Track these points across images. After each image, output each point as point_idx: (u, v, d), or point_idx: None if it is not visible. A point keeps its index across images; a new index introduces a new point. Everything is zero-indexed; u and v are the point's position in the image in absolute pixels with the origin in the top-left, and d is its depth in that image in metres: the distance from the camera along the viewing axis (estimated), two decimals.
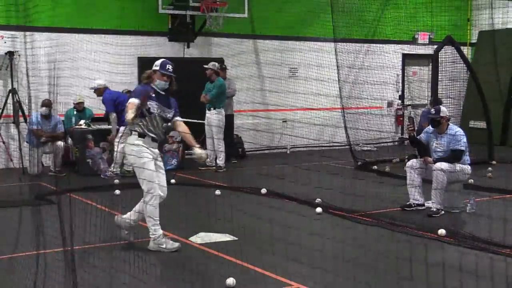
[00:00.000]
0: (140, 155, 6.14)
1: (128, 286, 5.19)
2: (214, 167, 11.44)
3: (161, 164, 6.39)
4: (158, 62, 6.36)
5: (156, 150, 6.33)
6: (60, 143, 11.07)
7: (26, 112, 11.28)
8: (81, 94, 11.68)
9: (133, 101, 6.06)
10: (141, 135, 6.19)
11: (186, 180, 10.35)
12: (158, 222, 6.20)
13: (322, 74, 14.31)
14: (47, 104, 10.97)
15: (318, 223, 7.26)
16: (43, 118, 10.99)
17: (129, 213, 6.44)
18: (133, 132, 6.23)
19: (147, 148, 6.19)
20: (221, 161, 11.49)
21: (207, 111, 11.56)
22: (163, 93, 6.31)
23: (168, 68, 6.28)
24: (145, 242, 6.47)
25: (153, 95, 6.20)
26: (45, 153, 11.20)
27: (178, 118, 6.41)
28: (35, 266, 5.70)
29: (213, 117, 11.47)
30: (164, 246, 6.17)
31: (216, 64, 11.61)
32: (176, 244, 6.23)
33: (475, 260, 5.18)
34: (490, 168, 10.92)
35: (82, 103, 11.57)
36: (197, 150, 6.30)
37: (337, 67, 13.22)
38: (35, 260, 5.95)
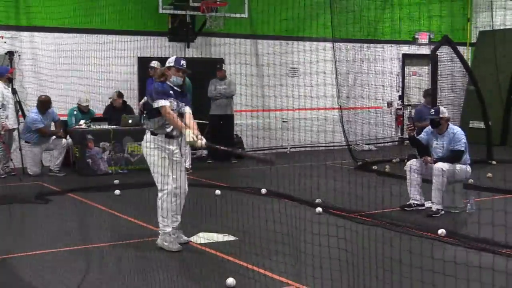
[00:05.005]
0: (151, 153, 6.19)
1: (127, 286, 5.19)
2: None
3: (178, 159, 6.35)
4: (171, 59, 6.42)
5: (172, 147, 6.28)
6: (64, 141, 11.10)
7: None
8: (87, 97, 11.73)
9: (167, 105, 6.10)
10: (153, 133, 6.24)
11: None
12: (170, 219, 6.20)
13: (322, 74, 14.30)
14: (48, 100, 11.05)
15: (318, 223, 7.25)
16: (41, 114, 11.01)
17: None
18: (146, 130, 6.28)
19: (158, 145, 6.21)
20: (187, 163, 11.12)
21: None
22: (178, 89, 6.35)
23: (182, 64, 6.38)
24: (144, 242, 6.47)
25: (171, 92, 6.24)
26: (47, 150, 11.21)
27: (187, 108, 6.36)
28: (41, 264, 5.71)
29: None
30: (166, 244, 6.17)
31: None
32: (177, 246, 6.22)
33: (475, 260, 5.18)
34: (489, 174, 10.75)
35: (88, 105, 11.71)
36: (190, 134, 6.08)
37: (336, 67, 13.21)
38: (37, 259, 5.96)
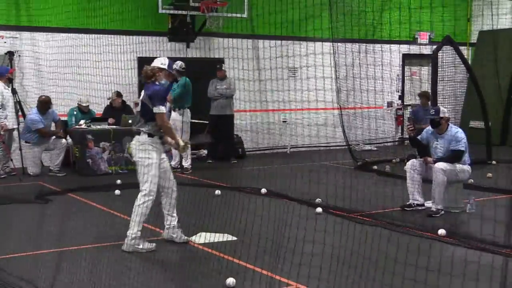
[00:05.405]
0: (148, 155, 6.19)
1: (127, 286, 5.19)
2: (179, 169, 11.14)
3: (165, 158, 6.47)
4: (164, 61, 6.41)
5: (161, 146, 6.39)
6: (64, 141, 11.12)
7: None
8: (87, 97, 11.75)
9: (164, 113, 6.19)
10: (150, 135, 6.25)
11: (186, 180, 10.34)
12: (142, 224, 6.23)
13: (321, 74, 14.28)
14: (48, 100, 11.06)
15: (318, 223, 7.25)
16: (41, 115, 11.02)
17: (166, 222, 6.49)
18: (142, 132, 6.27)
19: (154, 147, 6.24)
20: (187, 163, 11.31)
21: (171, 112, 11.12)
22: None
23: (174, 68, 6.42)
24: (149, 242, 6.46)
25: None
26: (47, 150, 11.21)
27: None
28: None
29: (178, 118, 11.09)
30: (141, 246, 6.16)
31: (180, 63, 11.17)
32: (153, 245, 6.23)
33: (475, 260, 5.18)
34: (489, 174, 10.73)
35: (88, 105, 11.73)
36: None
37: (335, 67, 13.20)
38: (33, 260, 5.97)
